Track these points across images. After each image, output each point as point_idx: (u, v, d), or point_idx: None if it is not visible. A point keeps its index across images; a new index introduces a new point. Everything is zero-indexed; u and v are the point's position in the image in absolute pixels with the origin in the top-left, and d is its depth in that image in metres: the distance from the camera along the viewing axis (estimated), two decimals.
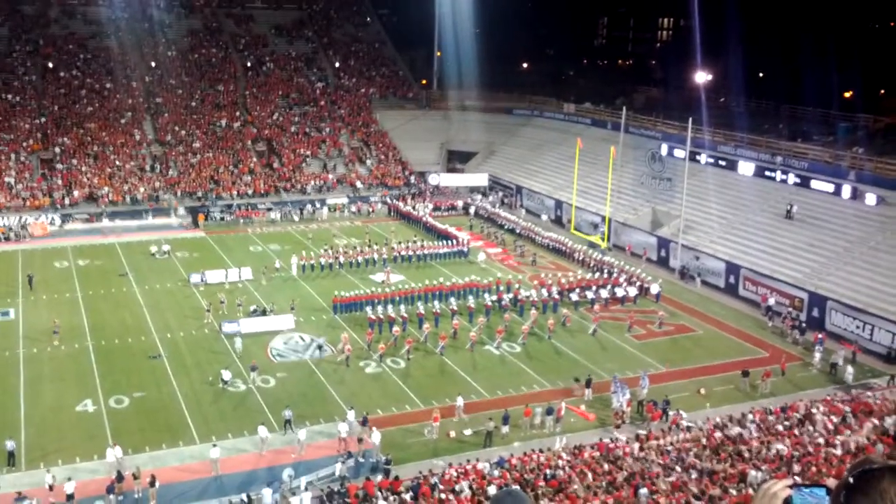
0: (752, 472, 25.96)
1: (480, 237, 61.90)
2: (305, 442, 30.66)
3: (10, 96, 74.56)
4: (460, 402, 33.29)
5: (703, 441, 29.54)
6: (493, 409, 33.68)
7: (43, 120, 72.36)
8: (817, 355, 39.53)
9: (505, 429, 32.13)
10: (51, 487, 27.37)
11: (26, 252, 55.95)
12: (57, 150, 69.21)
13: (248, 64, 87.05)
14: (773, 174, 56.06)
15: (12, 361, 38.27)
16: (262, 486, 27.61)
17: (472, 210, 68.88)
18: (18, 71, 77.97)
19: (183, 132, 74.73)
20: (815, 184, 53.26)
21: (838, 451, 27.72)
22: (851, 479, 2.77)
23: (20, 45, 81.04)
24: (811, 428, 30.29)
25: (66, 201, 63.91)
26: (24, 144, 69.12)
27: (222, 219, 65.76)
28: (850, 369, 37.32)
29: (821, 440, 28.92)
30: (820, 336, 40.74)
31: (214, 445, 29.86)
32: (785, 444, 28.37)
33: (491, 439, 31.58)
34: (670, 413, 32.87)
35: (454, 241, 57.23)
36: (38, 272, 50.73)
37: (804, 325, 43.14)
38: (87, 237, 60.00)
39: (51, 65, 79.42)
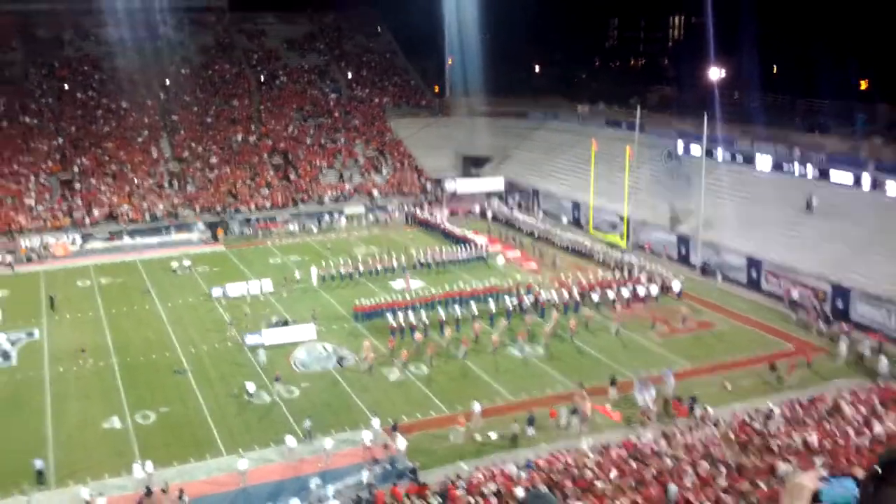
0: (782, 466, 25.68)
1: (498, 241, 61.74)
2: (332, 451, 30.66)
3: (27, 119, 75.32)
4: (477, 407, 33.15)
5: (731, 436, 29.27)
6: (518, 411, 33.55)
7: (61, 141, 73.06)
8: (843, 346, 39.12)
9: (531, 430, 32.02)
10: None
11: (49, 273, 56.45)
12: (76, 170, 69.83)
13: (262, 78, 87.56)
14: (791, 168, 55.66)
15: (38, 381, 38.56)
16: (290, 497, 27.65)
17: (489, 214, 68.80)
18: (35, 94, 78.80)
19: (200, 148, 75.23)
20: (834, 175, 52.78)
21: (867, 442, 27.39)
22: (880, 470, 2.72)
23: (35, 68, 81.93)
24: (840, 419, 29.95)
25: (87, 221, 64.42)
26: (44, 166, 69.78)
27: (241, 232, 66.09)
28: (884, 360, 36.75)
29: (850, 430, 28.59)
30: (845, 327, 40.35)
31: (242, 457, 29.93)
32: (813, 436, 28.06)
33: (517, 442, 31.46)
34: (697, 409, 32.62)
35: (473, 246, 57.19)
36: (60, 292, 51.19)
37: (829, 316, 42.73)
38: (108, 255, 60.47)
39: (66, 86, 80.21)
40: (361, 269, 53.43)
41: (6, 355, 41.59)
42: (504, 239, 62.38)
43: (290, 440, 30.94)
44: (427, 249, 56.82)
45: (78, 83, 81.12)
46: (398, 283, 51.19)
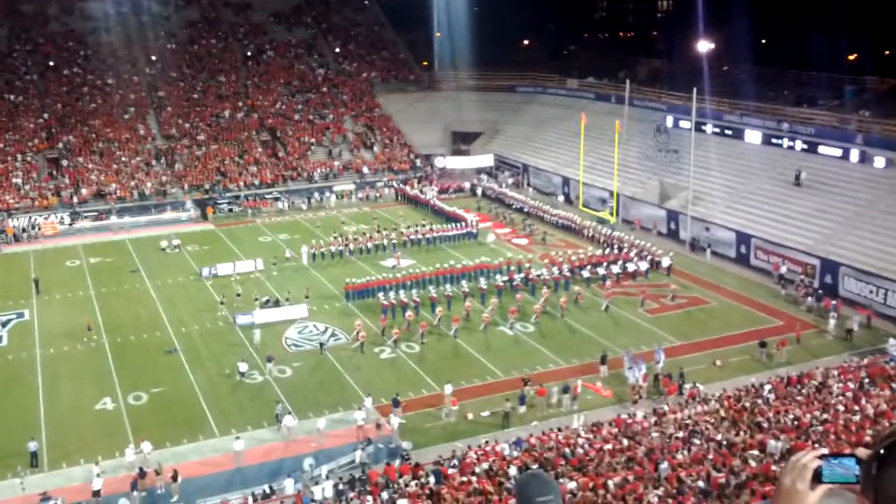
0: (772, 442, 25.97)
1: (489, 218, 61.72)
2: (325, 430, 30.81)
3: (12, 96, 74.55)
4: (448, 389, 33.04)
5: (721, 412, 29.55)
6: (509, 389, 33.76)
7: (47, 118, 72.42)
8: (832, 322, 39.45)
9: (522, 409, 32.24)
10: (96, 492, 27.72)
11: (38, 252, 56.18)
12: (62, 148, 69.30)
13: (249, 53, 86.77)
14: (779, 141, 55.76)
15: (29, 362, 38.55)
16: (284, 477, 27.82)
17: (479, 191, 68.73)
18: (20, 70, 77.93)
19: (187, 125, 74.69)
20: (822, 149, 52.97)
21: (857, 418, 27.70)
22: (882, 451, 2.72)
23: (20, 44, 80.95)
24: (829, 395, 30.25)
25: (75, 199, 64.04)
26: (30, 144, 69.18)
27: (230, 210, 65.80)
28: (892, 341, 36.19)
29: (840, 407, 28.89)
30: (834, 302, 40.65)
31: (238, 438, 30.06)
32: (803, 412, 28.37)
33: (509, 420, 31.69)
34: (686, 386, 32.89)
35: (463, 224, 57.17)
36: (49, 272, 51.05)
37: (819, 291, 43.03)
38: (97, 235, 60.18)
39: (52, 63, 79.32)
40: (352, 247, 53.38)
41: None
42: (494, 216, 62.36)
43: (289, 419, 30.99)
44: (417, 227, 56.77)
45: (63, 59, 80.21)
46: (389, 261, 51.20)
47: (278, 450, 30.47)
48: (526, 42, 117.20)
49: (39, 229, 60.26)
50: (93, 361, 38.50)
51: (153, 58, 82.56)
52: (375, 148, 76.54)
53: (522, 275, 46.56)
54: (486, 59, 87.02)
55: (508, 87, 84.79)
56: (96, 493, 27.22)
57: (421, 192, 67.84)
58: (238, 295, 45.16)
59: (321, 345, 38.90)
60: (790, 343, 37.32)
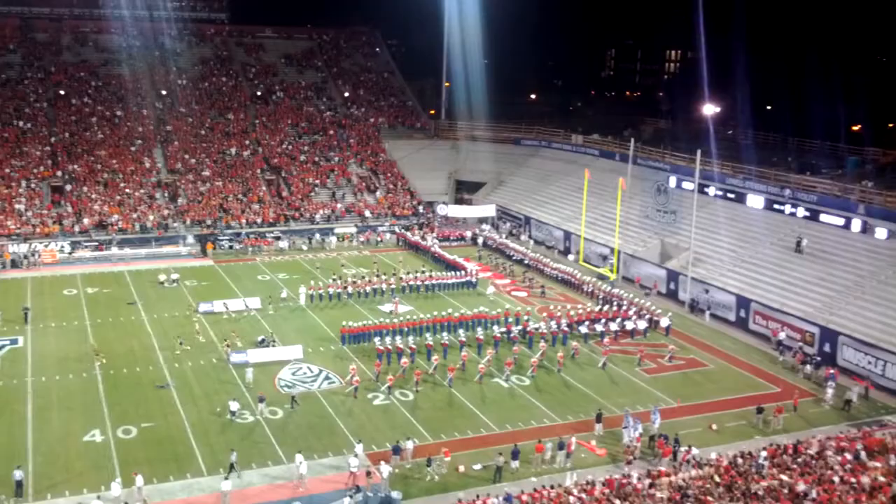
0: None
1: (489, 268, 61.74)
2: (307, 476, 30.36)
3: (21, 123, 74.99)
4: (410, 445, 32.55)
5: (716, 478, 29.22)
6: (502, 443, 33.37)
7: (53, 146, 72.67)
8: (829, 391, 39.23)
9: (515, 464, 31.84)
10: None
11: (35, 279, 56.06)
12: (67, 176, 69.47)
13: (258, 92, 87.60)
14: (782, 207, 56.05)
15: (21, 390, 38.18)
16: None
17: (479, 241, 68.83)
18: (30, 98, 78.52)
19: (193, 160, 75.03)
20: (824, 217, 53.23)
21: (852, 490, 27.38)
22: None
23: (32, 72, 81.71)
24: (825, 465, 29.93)
25: (76, 228, 64.04)
26: (35, 171, 69.38)
27: (231, 247, 65.83)
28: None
29: (835, 478, 28.59)
30: (832, 371, 40.46)
31: (226, 478, 29.65)
32: (799, 482, 28.04)
33: (501, 474, 31.28)
34: (682, 449, 32.55)
35: (463, 272, 57.13)
36: (46, 300, 50.90)
37: (818, 359, 42.87)
38: (96, 265, 60.06)
39: (62, 92, 79.97)
40: (350, 289, 53.26)
41: None
42: (494, 266, 62.35)
43: (299, 457, 30.58)
44: (416, 273, 56.71)
45: (74, 89, 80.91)
46: (387, 306, 51.05)
47: (266, 492, 30.03)
48: (533, 96, 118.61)
49: (39, 256, 60.14)
50: (84, 392, 38.10)
51: (163, 92, 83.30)
52: (379, 192, 76.82)
53: (520, 327, 46.38)
54: (493, 110, 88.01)
55: (514, 139, 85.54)
56: None
57: (422, 238, 67.92)
58: (233, 333, 44.96)
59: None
60: (787, 410, 37.04)
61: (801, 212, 54.74)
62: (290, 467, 31.14)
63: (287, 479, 30.75)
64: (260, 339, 44.62)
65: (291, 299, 52.30)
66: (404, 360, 41.29)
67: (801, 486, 27.60)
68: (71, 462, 31.83)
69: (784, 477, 28.78)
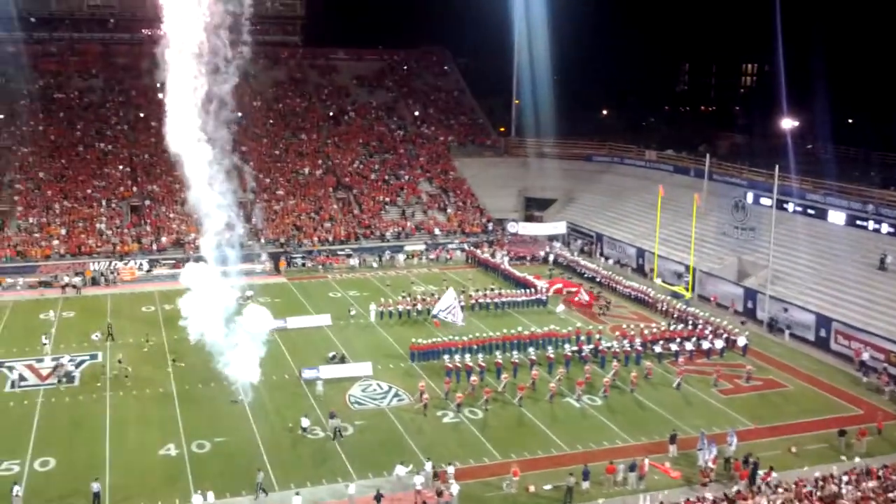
0: None
1: (560, 281, 60.66)
2: (356, 496, 30.15)
3: (102, 145, 77.54)
4: (451, 469, 31.59)
5: (796, 503, 28.16)
6: (573, 463, 32.79)
7: (133, 164, 74.78)
8: None
9: (585, 484, 31.23)
10: None
11: (115, 296, 57.62)
12: (146, 197, 71.44)
13: (331, 113, 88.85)
14: (864, 223, 54.22)
15: (99, 404, 39.14)
16: None
17: (551, 258, 68.19)
18: (111, 120, 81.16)
19: (267, 180, 76.39)
20: None
21: None
22: None
23: (113, 95, 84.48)
24: None
25: (154, 247, 65.72)
26: (115, 191, 71.57)
27: (303, 265, 66.69)
28: None
29: None
30: None
31: (297, 493, 29.81)
32: None
33: (571, 495, 30.72)
34: (760, 472, 31.48)
35: (532, 290, 56.63)
36: (124, 317, 52.13)
37: None
38: (173, 282, 61.30)
39: (142, 114, 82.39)
40: (420, 307, 53.30)
41: (70, 376, 42.38)
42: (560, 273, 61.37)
43: (352, 488, 30.50)
44: (486, 290, 56.36)
45: (153, 111, 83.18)
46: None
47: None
48: (605, 112, 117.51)
49: (118, 274, 61.87)
50: (160, 407, 38.89)
51: (239, 114, 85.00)
52: (449, 210, 76.97)
53: (592, 346, 45.70)
54: (563, 127, 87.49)
55: (585, 155, 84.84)
56: None
57: (492, 255, 67.67)
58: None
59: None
60: (871, 433, 35.57)
61: (884, 228, 52.83)
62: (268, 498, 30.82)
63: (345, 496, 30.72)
64: (331, 355, 44.97)
65: (361, 316, 52.59)
66: (473, 377, 41.04)
67: None
68: (146, 475, 32.42)
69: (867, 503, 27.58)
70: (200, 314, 41.49)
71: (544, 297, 55.96)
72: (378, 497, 29.41)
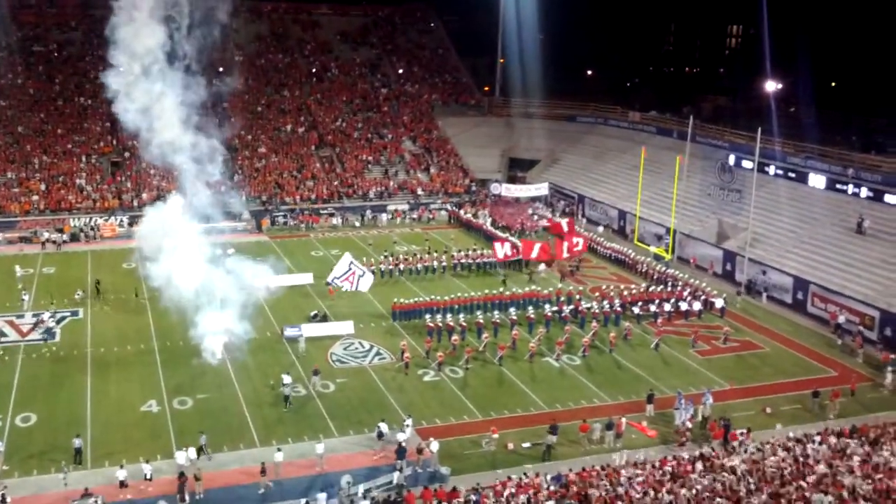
0: (817, 496, 25.17)
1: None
2: (325, 455, 30.30)
3: (82, 99, 76.58)
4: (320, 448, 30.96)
5: (769, 462, 28.73)
6: (551, 422, 33.26)
7: (113, 119, 73.92)
8: (889, 376, 38.25)
9: (553, 438, 31.56)
10: (122, 483, 28.43)
11: (95, 253, 57.38)
12: (126, 153, 70.79)
13: (313, 69, 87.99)
14: (844, 187, 54.60)
15: (80, 360, 39.20)
16: (319, 493, 27.71)
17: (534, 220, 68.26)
18: (91, 74, 79.97)
19: (248, 137, 75.82)
20: (888, 198, 51.71)
21: None
22: None
23: (92, 48, 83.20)
24: (884, 453, 29.23)
25: (135, 203, 65.31)
26: (95, 147, 70.85)
27: (285, 223, 66.53)
28: None
29: (894, 464, 27.90)
30: (892, 356, 39.44)
31: (279, 450, 30.09)
32: (854, 468, 27.45)
33: (550, 453, 31.22)
34: (737, 432, 32.06)
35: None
36: (105, 273, 51.95)
37: (878, 344, 41.82)
38: None
39: (122, 68, 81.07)
40: (402, 266, 53.44)
41: (50, 332, 42.37)
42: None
43: (320, 447, 30.71)
44: (468, 251, 56.45)
45: None
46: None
47: (317, 465, 30.38)
48: (589, 72, 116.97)
49: (98, 231, 61.53)
50: (141, 364, 39.02)
51: (219, 69, 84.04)
52: (432, 169, 76.81)
53: (572, 306, 46.09)
54: (548, 87, 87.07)
55: (569, 116, 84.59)
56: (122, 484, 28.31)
57: (474, 216, 67.70)
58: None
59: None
60: (844, 395, 36.26)
61: (864, 192, 53.25)
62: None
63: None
64: (312, 313, 45.14)
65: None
66: (455, 337, 41.39)
67: (854, 472, 27.00)
68: (128, 431, 32.64)
69: (838, 463, 28.19)
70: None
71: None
72: (379, 434, 31.24)
